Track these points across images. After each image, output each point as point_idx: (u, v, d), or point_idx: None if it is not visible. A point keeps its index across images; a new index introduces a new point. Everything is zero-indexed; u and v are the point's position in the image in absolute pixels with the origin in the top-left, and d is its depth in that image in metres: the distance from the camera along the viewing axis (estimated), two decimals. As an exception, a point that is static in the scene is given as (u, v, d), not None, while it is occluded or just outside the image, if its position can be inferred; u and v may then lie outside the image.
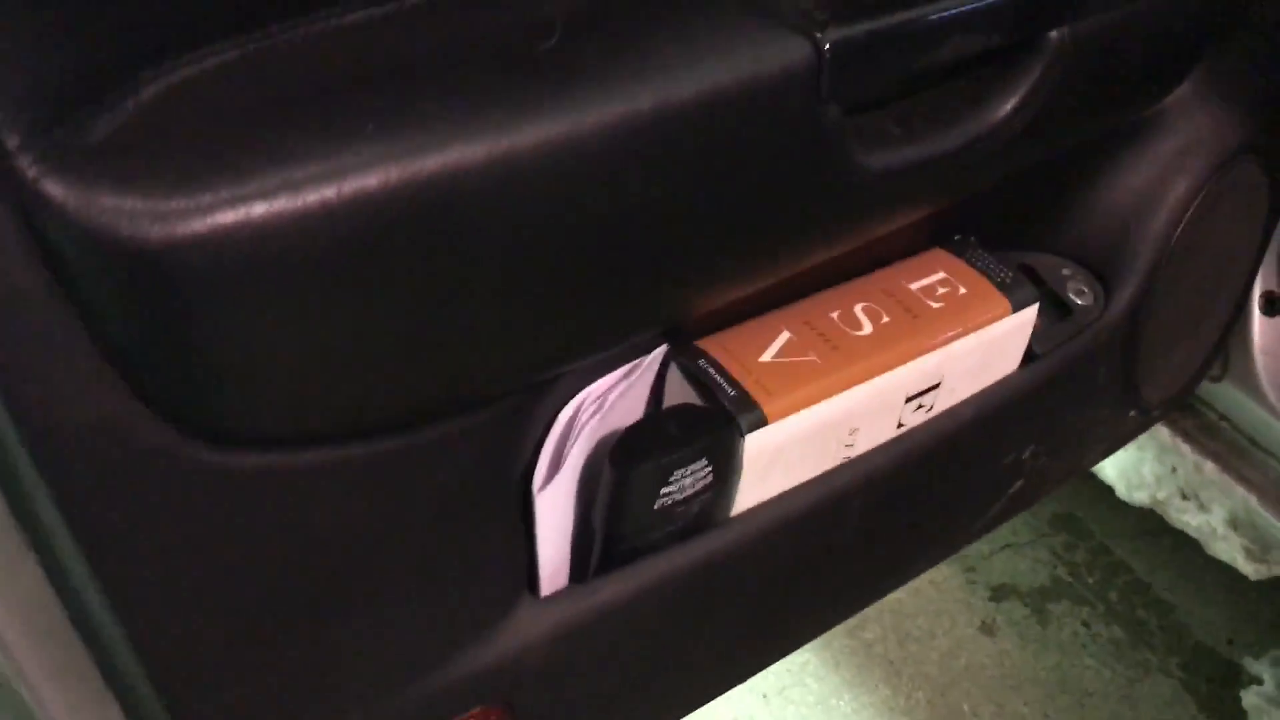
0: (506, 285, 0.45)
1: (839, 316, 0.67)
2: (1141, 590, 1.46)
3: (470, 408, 0.49)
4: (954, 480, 0.75)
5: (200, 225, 0.35)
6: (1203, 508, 1.18)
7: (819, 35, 0.49)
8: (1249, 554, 1.15)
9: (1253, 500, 1.12)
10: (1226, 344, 1.09)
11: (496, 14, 0.45)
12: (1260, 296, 1.09)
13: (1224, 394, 1.16)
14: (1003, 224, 0.81)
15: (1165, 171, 0.82)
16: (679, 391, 0.62)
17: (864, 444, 0.67)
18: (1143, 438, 1.13)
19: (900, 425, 0.68)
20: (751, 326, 0.65)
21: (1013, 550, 1.49)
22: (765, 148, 0.50)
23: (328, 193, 0.37)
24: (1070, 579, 1.49)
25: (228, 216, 0.36)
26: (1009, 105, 0.60)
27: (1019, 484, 0.81)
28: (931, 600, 1.41)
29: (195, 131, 0.37)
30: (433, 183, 0.39)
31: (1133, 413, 0.91)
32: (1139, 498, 1.26)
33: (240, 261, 0.36)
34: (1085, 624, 1.42)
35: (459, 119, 0.40)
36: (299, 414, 0.42)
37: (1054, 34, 0.60)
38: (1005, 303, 0.71)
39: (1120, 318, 0.82)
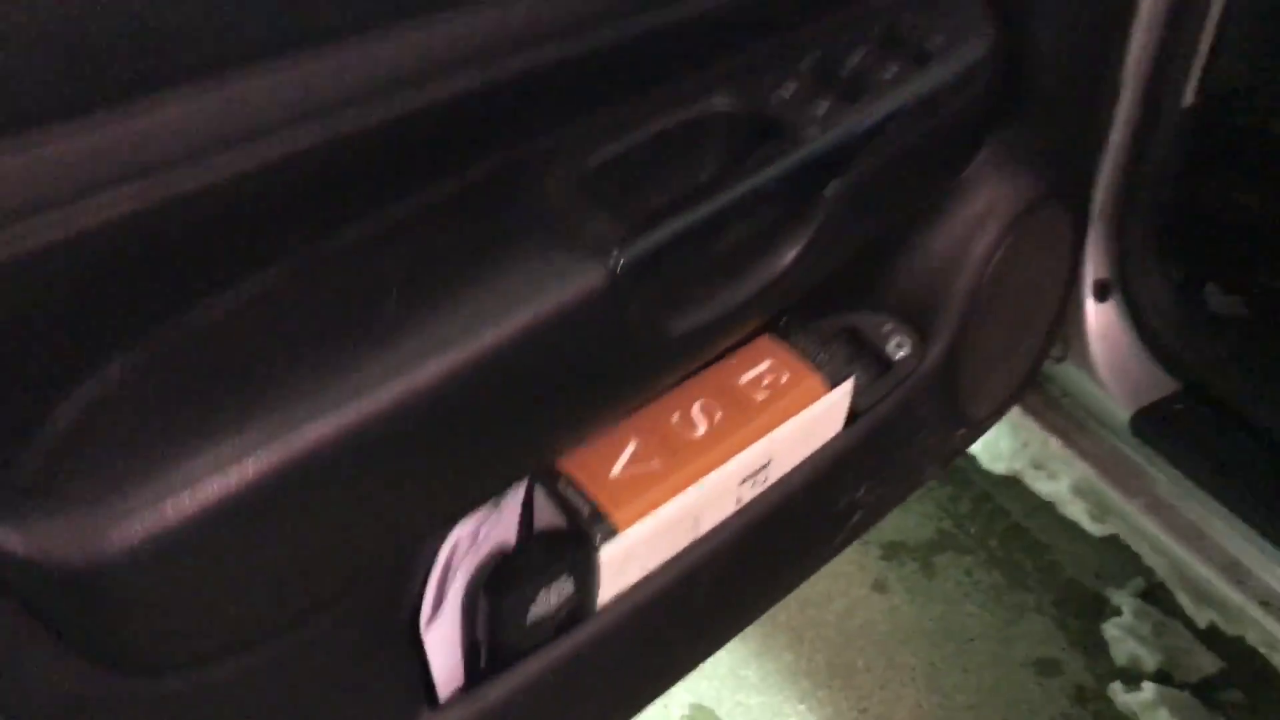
0: (380, 497, 0.56)
1: (678, 420, 0.78)
2: (1019, 534, 1.62)
3: (363, 584, 0.60)
4: (793, 532, 0.87)
5: (114, 538, 0.46)
6: (1052, 476, 1.33)
7: (614, 254, 0.59)
8: (1091, 516, 1.31)
9: (1091, 472, 1.26)
10: (1064, 334, 1.22)
11: (344, 284, 0.55)
12: (1093, 284, 1.22)
13: (1065, 374, 1.29)
14: (831, 288, 0.93)
15: (968, 231, 0.94)
16: (545, 510, 0.74)
17: (707, 525, 0.79)
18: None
19: (738, 501, 0.81)
20: (606, 441, 0.76)
21: (902, 508, 1.64)
22: (582, 350, 0.60)
23: (211, 492, 0.48)
24: (955, 530, 1.64)
25: (134, 527, 0.46)
26: (797, 250, 0.71)
27: (857, 516, 0.94)
28: (828, 564, 1.56)
29: (101, 451, 0.48)
30: (304, 454, 0.50)
31: (961, 431, 1.04)
32: (998, 468, 1.41)
33: (150, 556, 0.47)
34: (968, 572, 1.58)
35: (315, 401, 0.51)
36: (222, 639, 0.53)
37: (830, 185, 0.71)
38: (823, 384, 0.83)
39: (937, 364, 0.94)
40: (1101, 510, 1.27)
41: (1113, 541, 1.42)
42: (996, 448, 1.39)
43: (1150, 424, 1.21)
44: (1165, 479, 1.21)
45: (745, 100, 0.70)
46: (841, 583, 1.55)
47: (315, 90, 0.52)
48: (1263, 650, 1.13)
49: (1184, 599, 1.23)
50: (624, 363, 0.64)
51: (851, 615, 1.51)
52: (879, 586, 1.55)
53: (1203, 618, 1.21)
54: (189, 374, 0.51)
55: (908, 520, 1.64)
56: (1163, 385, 1.23)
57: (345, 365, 0.52)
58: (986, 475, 1.65)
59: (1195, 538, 1.18)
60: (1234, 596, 1.13)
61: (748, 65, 0.73)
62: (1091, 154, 1.06)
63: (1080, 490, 1.29)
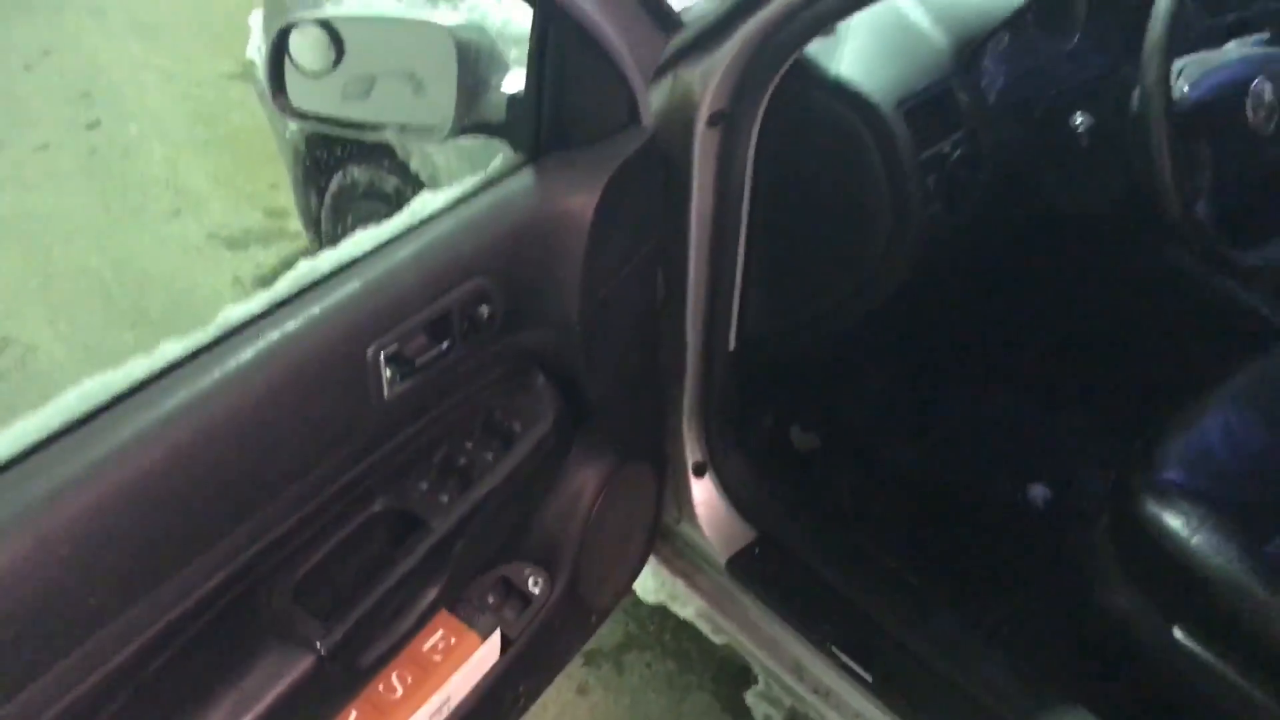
0: None
1: (383, 688, 1.21)
2: (688, 629, 2.10)
3: None
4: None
5: None
6: (684, 605, 1.83)
7: (319, 645, 1.01)
8: (712, 631, 1.81)
9: (705, 603, 1.77)
10: (679, 502, 1.72)
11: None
12: (693, 465, 1.72)
13: (684, 531, 1.79)
14: (493, 550, 1.37)
15: (571, 501, 1.40)
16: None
17: (412, 753, 1.22)
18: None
19: (429, 728, 1.24)
20: (343, 713, 1.18)
21: (597, 620, 2.11)
22: (308, 706, 1.02)
23: None
24: (639, 631, 2.14)
25: None
26: (439, 586, 1.15)
27: (520, 703, 1.40)
28: (543, 678, 2.01)
29: None
30: None
31: (592, 619, 1.52)
32: (651, 599, 1.90)
33: None
34: (649, 665, 2.07)
35: None
36: None
37: (456, 546, 1.16)
38: (478, 639, 1.28)
39: (564, 589, 1.40)
40: (716, 628, 1.78)
41: (741, 635, 1.93)
42: (646, 585, 1.88)
43: (739, 566, 1.73)
44: (752, 605, 1.72)
45: (396, 498, 1.14)
46: (553, 692, 2.00)
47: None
48: (818, 721, 1.66)
49: (776, 689, 1.75)
50: (336, 695, 1.06)
51: (562, 718, 1.97)
52: (582, 690, 2.02)
53: (786, 701, 1.73)
54: None
55: (603, 628, 2.11)
56: (746, 536, 1.75)
57: None
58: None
59: (773, 646, 1.69)
60: (798, 687, 1.65)
61: (398, 466, 1.16)
62: (659, 417, 1.56)
63: (702, 615, 1.79)
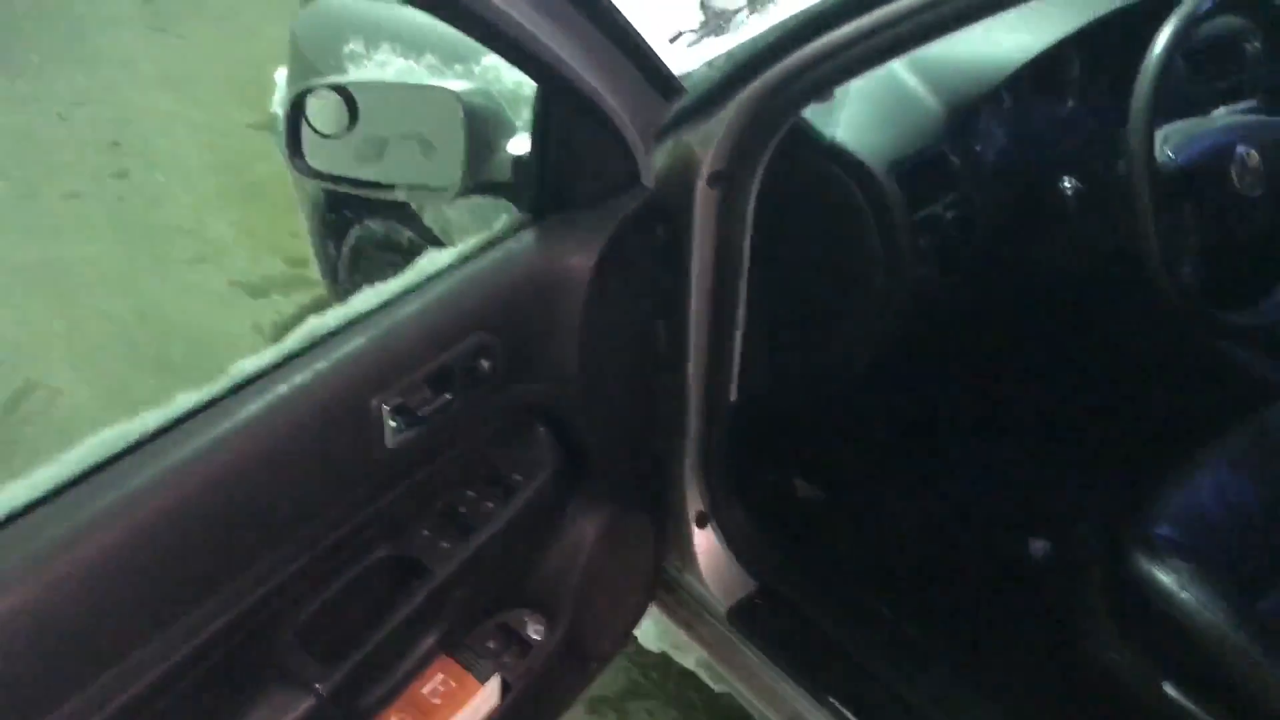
0: None
1: (381, 730, 1.24)
2: (690, 677, 2.13)
3: None
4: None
5: None
6: (685, 654, 1.86)
7: (320, 687, 1.05)
8: (712, 679, 1.84)
9: (706, 652, 1.79)
10: (682, 552, 1.75)
11: None
12: (695, 516, 1.75)
13: (685, 580, 1.82)
14: (489, 597, 1.41)
15: (570, 553, 1.44)
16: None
17: (411, 794, 1.25)
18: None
19: (430, 772, 1.27)
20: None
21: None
22: None
23: None
24: (642, 679, 2.16)
25: None
26: (439, 633, 1.19)
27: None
28: (547, 725, 2.03)
29: None
30: None
31: (592, 666, 1.54)
32: (653, 648, 1.92)
33: None
34: (652, 713, 2.09)
35: None
36: None
37: (456, 592, 1.19)
38: (477, 684, 1.31)
39: (563, 636, 1.44)
40: (716, 678, 1.80)
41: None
42: (648, 634, 1.90)
43: (740, 616, 1.75)
44: (752, 655, 1.74)
45: (398, 544, 1.18)
46: (556, 738, 2.03)
47: None
48: (815, 772, 1.67)
49: (773, 738, 1.77)
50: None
51: (564, 764, 1.99)
52: (586, 736, 2.05)
53: (784, 750, 1.75)
54: None
55: (606, 676, 2.13)
56: (747, 586, 1.77)
57: None
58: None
59: (772, 696, 1.71)
60: (796, 737, 1.67)
61: (401, 514, 1.20)
62: (658, 469, 1.59)
63: (703, 664, 1.82)
